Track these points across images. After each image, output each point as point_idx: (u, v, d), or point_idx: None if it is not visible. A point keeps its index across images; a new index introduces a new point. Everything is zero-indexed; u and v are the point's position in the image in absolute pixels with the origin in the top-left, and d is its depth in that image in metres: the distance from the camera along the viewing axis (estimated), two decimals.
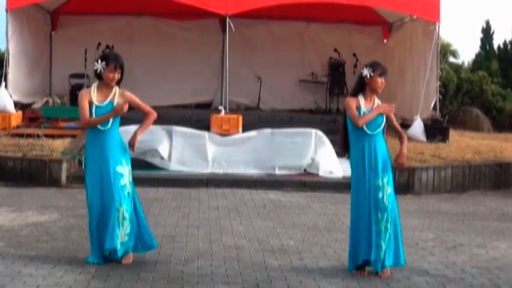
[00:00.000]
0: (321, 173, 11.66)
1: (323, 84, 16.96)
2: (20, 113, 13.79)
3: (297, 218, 8.65)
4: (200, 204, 9.39)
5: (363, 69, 6.10)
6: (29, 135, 12.36)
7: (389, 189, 6.00)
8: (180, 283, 5.64)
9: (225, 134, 12.70)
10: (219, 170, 11.75)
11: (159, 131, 11.96)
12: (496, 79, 22.79)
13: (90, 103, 6.08)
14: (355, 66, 16.60)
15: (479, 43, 26.98)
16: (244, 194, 10.31)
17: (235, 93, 15.39)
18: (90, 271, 5.87)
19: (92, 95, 6.10)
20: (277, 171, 11.74)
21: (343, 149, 6.31)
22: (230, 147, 12.23)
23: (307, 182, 11.19)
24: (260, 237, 7.42)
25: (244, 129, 12.92)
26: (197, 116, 14.34)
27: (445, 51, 23.79)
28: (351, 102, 6.06)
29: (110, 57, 6.15)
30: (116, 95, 6.15)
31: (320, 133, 12.26)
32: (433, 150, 12.34)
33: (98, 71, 6.10)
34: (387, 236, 5.95)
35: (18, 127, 13.18)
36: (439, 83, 14.79)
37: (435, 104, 14.42)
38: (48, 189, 10.32)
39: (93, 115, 6.06)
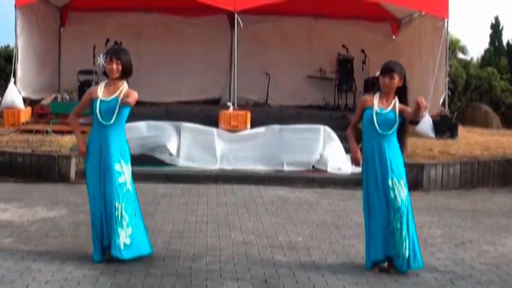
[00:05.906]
0: (329, 169, 11.64)
1: (331, 80, 16.96)
2: (29, 109, 13.86)
3: (305, 214, 8.64)
4: (209, 200, 9.40)
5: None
6: (38, 131, 12.41)
7: (403, 191, 5.95)
8: (188, 279, 5.65)
9: (233, 130, 12.70)
10: (228, 166, 11.76)
11: (167, 127, 11.97)
12: (505, 75, 22.74)
13: (96, 97, 6.12)
14: (364, 62, 16.63)
15: (488, 39, 26.87)
16: (252, 190, 10.31)
17: (244, 90, 15.39)
18: (99, 266, 5.88)
19: (99, 90, 6.16)
20: (286, 168, 11.73)
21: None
22: (238, 143, 12.23)
23: (316, 178, 11.18)
24: (268, 234, 7.42)
25: (253, 126, 12.92)
26: (205, 112, 14.35)
27: (454, 47, 23.76)
28: (362, 102, 6.15)
29: (109, 51, 6.31)
30: (122, 93, 6.12)
31: (328, 129, 12.24)
32: (441, 146, 12.31)
33: (101, 65, 6.21)
34: (402, 236, 5.89)
35: (27, 123, 13.23)
36: (447, 79, 14.76)
37: (444, 100, 14.39)
38: (57, 185, 10.35)
39: (97, 109, 6.07)
